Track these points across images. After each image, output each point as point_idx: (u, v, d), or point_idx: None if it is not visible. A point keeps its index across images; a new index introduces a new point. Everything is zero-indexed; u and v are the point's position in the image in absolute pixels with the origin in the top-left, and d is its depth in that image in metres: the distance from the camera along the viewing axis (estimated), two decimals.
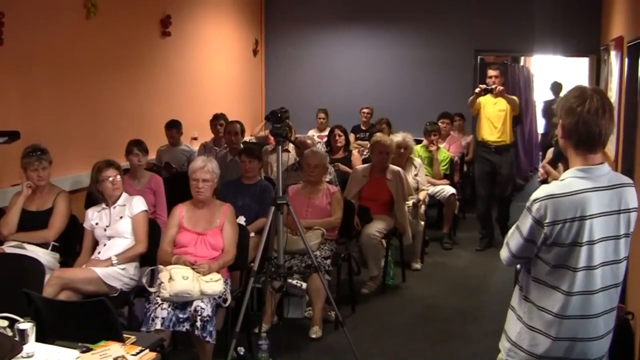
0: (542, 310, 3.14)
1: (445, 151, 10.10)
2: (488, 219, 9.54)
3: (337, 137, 9.65)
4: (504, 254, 3.27)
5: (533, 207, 3.05)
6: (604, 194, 3.04)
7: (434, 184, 9.52)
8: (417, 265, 8.59)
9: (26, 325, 3.51)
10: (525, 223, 3.10)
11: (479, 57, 12.26)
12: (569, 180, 3.06)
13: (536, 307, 3.16)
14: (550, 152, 7.24)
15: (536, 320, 3.16)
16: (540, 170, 3.57)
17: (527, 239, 3.10)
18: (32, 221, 5.91)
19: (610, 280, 3.12)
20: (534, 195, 3.08)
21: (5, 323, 3.79)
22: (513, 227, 3.22)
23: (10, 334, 3.57)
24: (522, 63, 15.96)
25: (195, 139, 10.29)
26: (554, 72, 17.15)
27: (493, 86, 8.76)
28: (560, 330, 3.10)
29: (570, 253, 3.03)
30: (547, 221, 3.00)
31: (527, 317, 3.20)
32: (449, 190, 9.56)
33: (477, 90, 8.89)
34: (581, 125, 3.01)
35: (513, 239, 3.19)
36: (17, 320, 3.67)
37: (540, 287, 3.15)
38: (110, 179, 5.85)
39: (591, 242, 3.02)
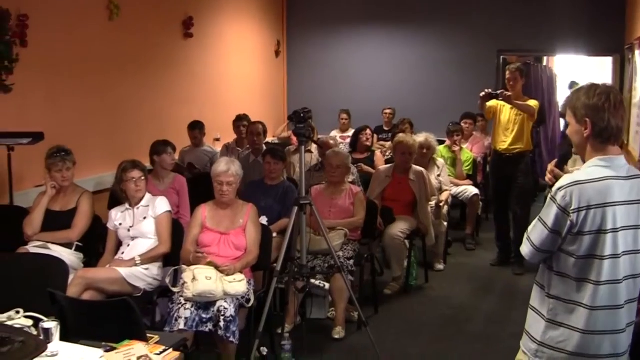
0: (570, 303, 3.13)
1: (468, 152, 10.07)
2: (504, 233, 8.87)
3: (367, 137, 9.61)
4: (525, 249, 3.25)
5: (558, 196, 3.06)
6: (624, 184, 3.08)
7: (456, 185, 9.49)
8: (440, 266, 8.58)
9: (51, 325, 3.52)
10: (549, 213, 3.10)
11: (501, 57, 12.21)
12: (592, 168, 3.09)
13: (563, 302, 3.16)
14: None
15: (563, 315, 3.16)
16: (548, 175, 3.54)
17: (552, 229, 3.09)
18: (56, 221, 5.93)
19: (630, 270, 3.13)
20: (558, 184, 3.09)
21: (30, 322, 3.80)
22: (535, 220, 3.21)
23: (34, 333, 3.58)
24: (545, 63, 15.87)
25: (217, 139, 10.31)
26: (577, 72, 17.04)
27: (498, 92, 8.20)
28: (590, 322, 3.10)
29: (596, 241, 3.04)
30: (573, 208, 3.01)
31: (552, 314, 3.19)
32: (472, 190, 9.53)
33: (481, 94, 8.21)
34: (612, 121, 3.06)
35: (535, 232, 3.18)
36: (41, 320, 3.69)
37: (566, 281, 3.15)
38: (134, 180, 5.86)
39: (615, 230, 3.04)
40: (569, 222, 3.03)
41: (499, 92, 8.10)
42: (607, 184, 3.03)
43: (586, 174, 3.07)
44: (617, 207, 3.04)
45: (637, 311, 3.26)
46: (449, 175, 9.17)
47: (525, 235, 3.26)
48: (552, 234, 3.10)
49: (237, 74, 11.43)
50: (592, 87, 3.13)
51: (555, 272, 3.18)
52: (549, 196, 3.12)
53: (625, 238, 3.08)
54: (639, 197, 3.10)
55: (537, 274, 3.36)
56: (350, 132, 10.58)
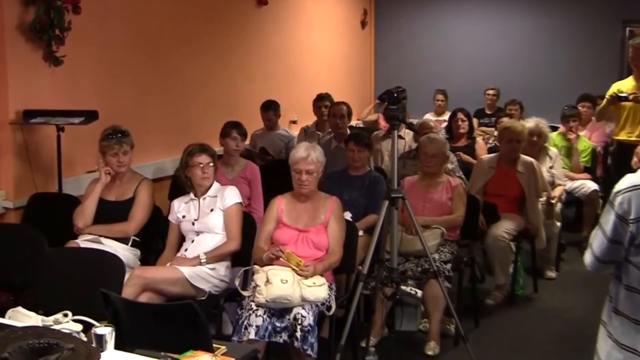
0: (638, 324, 3.03)
1: (586, 140, 9.86)
2: None
3: (459, 122, 9.49)
4: (587, 258, 3.20)
5: (615, 201, 2.97)
6: None
7: (572, 179, 9.29)
8: (552, 274, 8.40)
9: (104, 330, 3.51)
10: (608, 220, 3.01)
11: (627, 28, 11.90)
12: None
13: (630, 321, 3.06)
14: None
15: (629, 336, 3.06)
16: (634, 158, 3.50)
17: (611, 239, 3.01)
18: (111, 212, 5.96)
19: None
20: (617, 187, 3.00)
21: (79, 327, 3.80)
22: (596, 227, 3.13)
23: (84, 339, 3.57)
24: None
25: (294, 122, 10.33)
26: None
27: (630, 96, 7.91)
28: None
29: None
30: (632, 217, 2.92)
31: (618, 333, 3.11)
32: (590, 185, 9.31)
33: (607, 96, 8.02)
34: None
35: (596, 240, 3.11)
36: (92, 324, 3.68)
37: (634, 297, 3.06)
38: (202, 165, 5.83)
39: None
40: (629, 233, 2.94)
41: (630, 95, 7.89)
42: None
43: None
44: None
45: None
46: (563, 168, 9.00)
47: (589, 242, 3.19)
48: (612, 244, 3.02)
49: (317, 47, 11.42)
50: None
51: (624, 285, 3.11)
52: (609, 199, 3.03)
53: None
54: None
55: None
56: (447, 116, 10.48)
